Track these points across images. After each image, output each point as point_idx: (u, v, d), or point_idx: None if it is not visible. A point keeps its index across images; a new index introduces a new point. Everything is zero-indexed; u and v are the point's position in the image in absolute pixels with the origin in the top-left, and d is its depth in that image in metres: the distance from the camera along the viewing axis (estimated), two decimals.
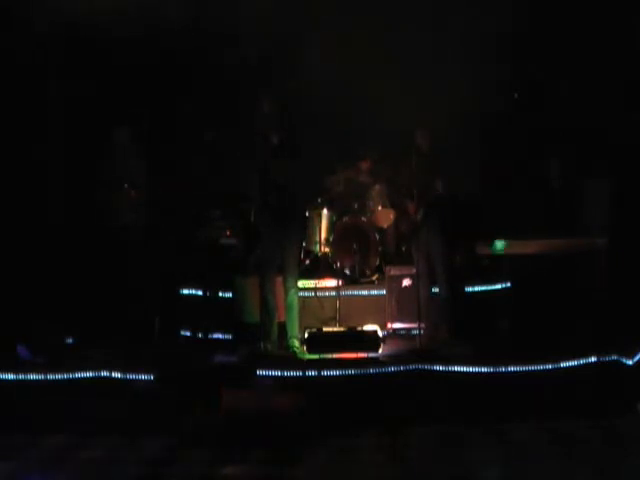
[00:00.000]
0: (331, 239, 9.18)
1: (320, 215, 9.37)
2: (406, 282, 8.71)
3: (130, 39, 8.95)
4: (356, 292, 8.88)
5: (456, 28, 9.27)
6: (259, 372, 7.12)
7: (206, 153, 9.41)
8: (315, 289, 8.82)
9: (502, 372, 7.16)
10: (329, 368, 7.18)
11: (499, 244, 8.24)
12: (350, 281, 8.98)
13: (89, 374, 7.18)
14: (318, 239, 9.32)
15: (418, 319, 7.94)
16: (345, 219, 9.28)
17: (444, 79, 8.78)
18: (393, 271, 8.86)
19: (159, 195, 8.70)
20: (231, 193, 9.27)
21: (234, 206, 9.18)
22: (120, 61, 9.16)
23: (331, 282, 8.83)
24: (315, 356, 7.71)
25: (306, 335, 7.78)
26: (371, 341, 7.73)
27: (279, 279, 8.06)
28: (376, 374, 7.19)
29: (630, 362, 7.24)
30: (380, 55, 9.12)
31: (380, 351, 7.71)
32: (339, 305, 8.44)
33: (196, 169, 9.33)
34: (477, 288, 8.75)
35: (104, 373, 7.18)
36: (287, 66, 9.48)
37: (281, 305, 8.05)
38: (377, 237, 9.16)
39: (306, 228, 9.26)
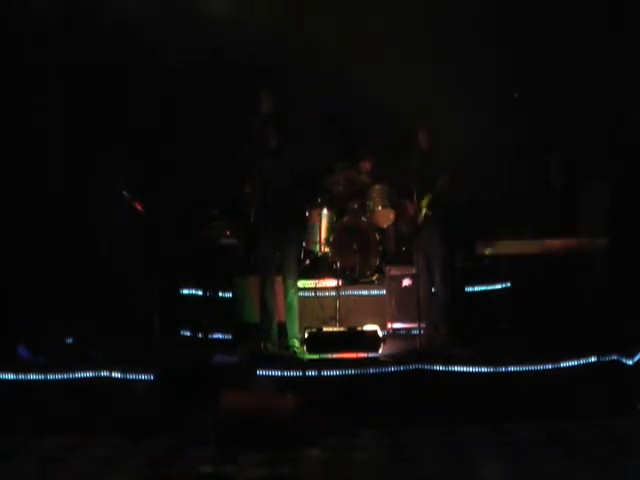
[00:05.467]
0: (331, 239, 9.18)
1: (320, 215, 9.36)
2: (406, 282, 8.71)
3: (130, 37, 8.99)
4: (356, 292, 8.88)
5: (457, 27, 9.28)
6: (259, 372, 7.12)
7: (206, 153, 9.42)
8: (315, 289, 8.82)
9: (502, 372, 7.16)
10: (329, 368, 7.18)
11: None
12: (350, 281, 8.98)
13: (89, 374, 7.18)
14: (318, 239, 9.31)
15: (418, 319, 7.94)
16: (345, 219, 9.29)
17: (444, 79, 8.79)
18: (393, 271, 8.86)
19: (159, 195, 8.69)
20: (231, 193, 9.27)
21: (234, 206, 9.18)
22: (120, 59, 9.18)
23: (331, 282, 8.83)
24: (315, 356, 7.71)
25: (306, 335, 7.79)
26: (371, 341, 7.74)
27: (279, 279, 8.07)
28: (376, 374, 7.19)
29: (630, 362, 7.24)
30: (380, 54, 9.13)
31: (380, 351, 7.72)
32: (339, 305, 8.45)
33: (196, 169, 9.34)
34: (477, 288, 8.76)
35: (104, 373, 7.18)
36: (287, 67, 9.49)
37: (281, 305, 8.06)
38: (377, 237, 9.16)
39: (306, 228, 9.26)
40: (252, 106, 8.20)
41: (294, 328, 7.98)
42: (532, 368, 7.16)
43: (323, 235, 9.32)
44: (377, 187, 9.38)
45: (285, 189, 7.89)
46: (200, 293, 8.79)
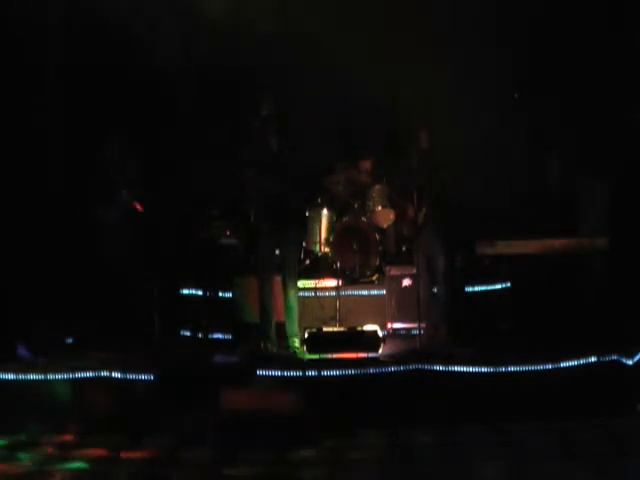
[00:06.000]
0: (331, 239, 9.17)
1: (320, 215, 9.35)
2: (406, 282, 8.71)
3: (130, 37, 9.00)
4: (356, 292, 8.87)
5: (457, 27, 9.28)
6: (259, 372, 7.12)
7: (206, 153, 9.42)
8: (315, 289, 8.82)
9: (502, 372, 7.16)
10: (329, 368, 7.17)
11: None
12: (350, 281, 8.98)
13: (89, 374, 7.18)
14: (318, 239, 9.30)
15: (418, 319, 7.94)
16: (345, 219, 9.28)
17: (444, 79, 8.79)
18: (393, 271, 8.86)
19: (159, 195, 8.70)
20: (231, 193, 9.27)
21: (234, 206, 9.18)
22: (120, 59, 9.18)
23: (331, 282, 8.83)
24: (315, 356, 7.70)
25: (306, 335, 7.78)
26: (371, 341, 7.73)
27: (279, 279, 8.06)
28: (376, 374, 7.19)
29: (630, 362, 7.23)
30: (380, 54, 9.13)
31: (380, 351, 7.71)
32: (339, 305, 8.44)
33: (196, 169, 9.34)
34: (477, 288, 8.75)
35: (104, 373, 7.18)
36: (287, 67, 9.50)
37: (281, 305, 8.06)
38: (377, 237, 9.15)
39: (306, 228, 9.26)
40: (252, 106, 8.19)
41: (294, 328, 7.97)
42: (532, 368, 7.15)
43: (323, 235, 9.31)
44: (377, 187, 9.37)
45: (285, 189, 7.89)
46: (200, 293, 8.79)
